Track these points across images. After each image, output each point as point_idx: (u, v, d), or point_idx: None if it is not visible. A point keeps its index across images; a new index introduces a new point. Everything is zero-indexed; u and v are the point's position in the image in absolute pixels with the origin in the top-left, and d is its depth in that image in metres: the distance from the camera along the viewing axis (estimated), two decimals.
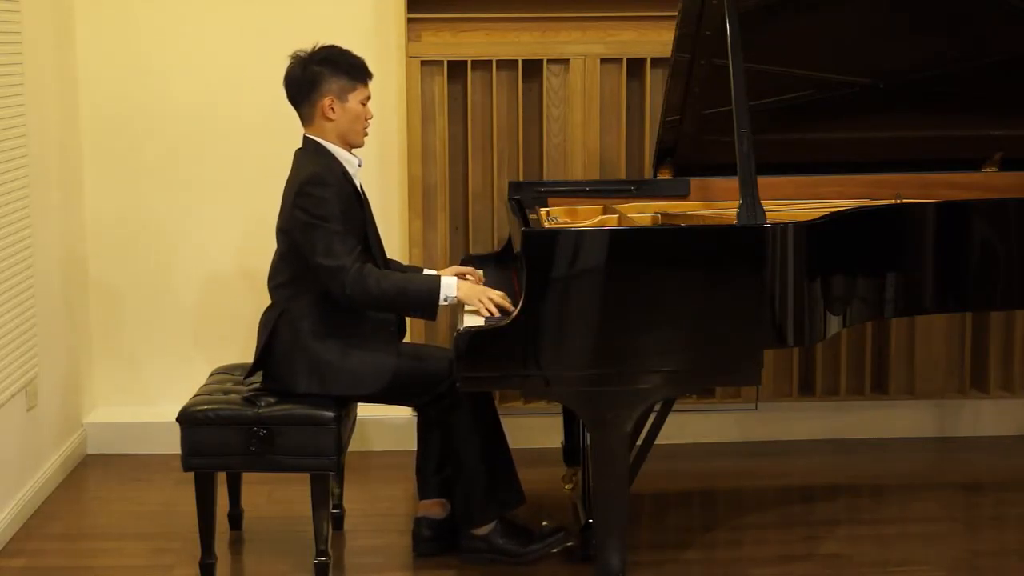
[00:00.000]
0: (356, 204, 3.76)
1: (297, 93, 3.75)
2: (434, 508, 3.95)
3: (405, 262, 4.58)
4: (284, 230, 3.74)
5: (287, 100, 3.78)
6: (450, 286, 3.66)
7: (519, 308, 3.40)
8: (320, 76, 3.70)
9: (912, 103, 4.19)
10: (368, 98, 3.77)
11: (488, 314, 3.60)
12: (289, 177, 3.75)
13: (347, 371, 3.69)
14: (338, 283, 3.60)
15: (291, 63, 3.75)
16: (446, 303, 3.67)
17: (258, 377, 3.81)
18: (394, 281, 3.67)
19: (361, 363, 3.70)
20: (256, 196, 4.63)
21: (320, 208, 3.62)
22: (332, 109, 3.71)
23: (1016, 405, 5.00)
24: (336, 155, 3.74)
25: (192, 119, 4.76)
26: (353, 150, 3.79)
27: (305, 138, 3.78)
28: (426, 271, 3.98)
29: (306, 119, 3.77)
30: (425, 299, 3.66)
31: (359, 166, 3.79)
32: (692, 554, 3.97)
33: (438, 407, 3.76)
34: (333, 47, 3.76)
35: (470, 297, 3.65)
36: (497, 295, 3.66)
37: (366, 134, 3.80)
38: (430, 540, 3.92)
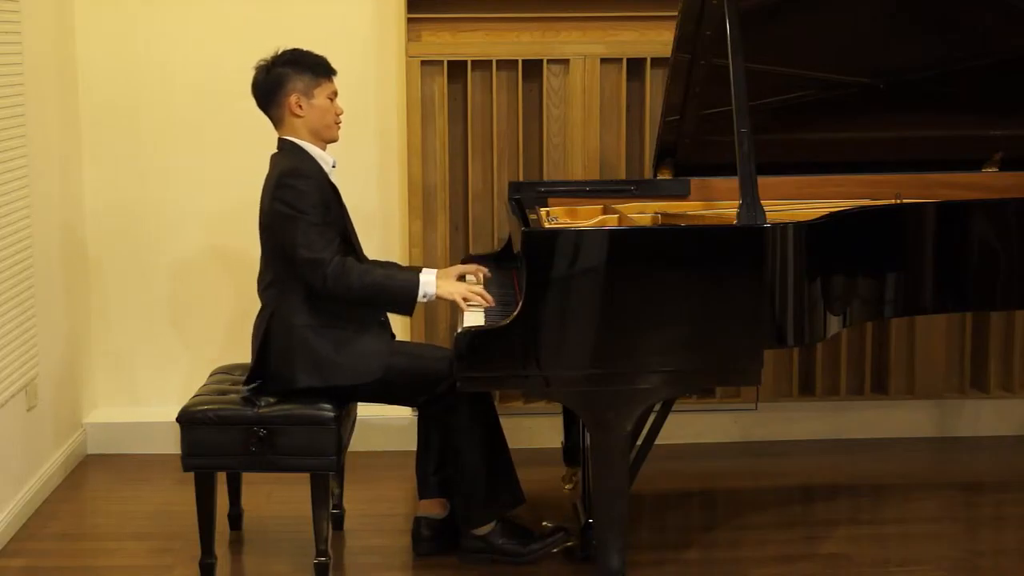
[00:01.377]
0: (335, 201, 3.78)
1: (264, 97, 3.79)
2: (434, 508, 3.95)
3: (405, 262, 4.58)
4: (265, 227, 3.75)
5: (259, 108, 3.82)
6: (429, 283, 3.70)
7: (519, 308, 3.40)
8: (284, 76, 3.75)
9: (912, 103, 4.19)
10: (335, 93, 3.81)
11: (472, 306, 3.66)
12: (267, 177, 3.77)
13: (345, 361, 3.70)
14: (319, 275, 3.62)
15: (255, 71, 3.80)
16: (425, 300, 3.71)
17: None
18: (375, 277, 3.70)
19: (356, 353, 3.71)
20: (257, 195, 4.61)
21: (299, 200, 3.65)
22: (299, 106, 3.75)
23: (1016, 405, 5.00)
24: (311, 153, 3.77)
25: (192, 119, 4.76)
26: (328, 149, 3.81)
27: (280, 140, 3.80)
28: (425, 269, 3.97)
29: (277, 121, 3.80)
30: (403, 296, 3.69)
31: (333, 166, 3.81)
32: (692, 554, 3.97)
33: (438, 407, 3.76)
34: (295, 49, 3.81)
35: (452, 294, 3.70)
36: (476, 288, 3.73)
37: (339, 127, 3.83)
38: (430, 540, 3.92)
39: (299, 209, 3.64)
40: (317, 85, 3.76)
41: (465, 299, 3.70)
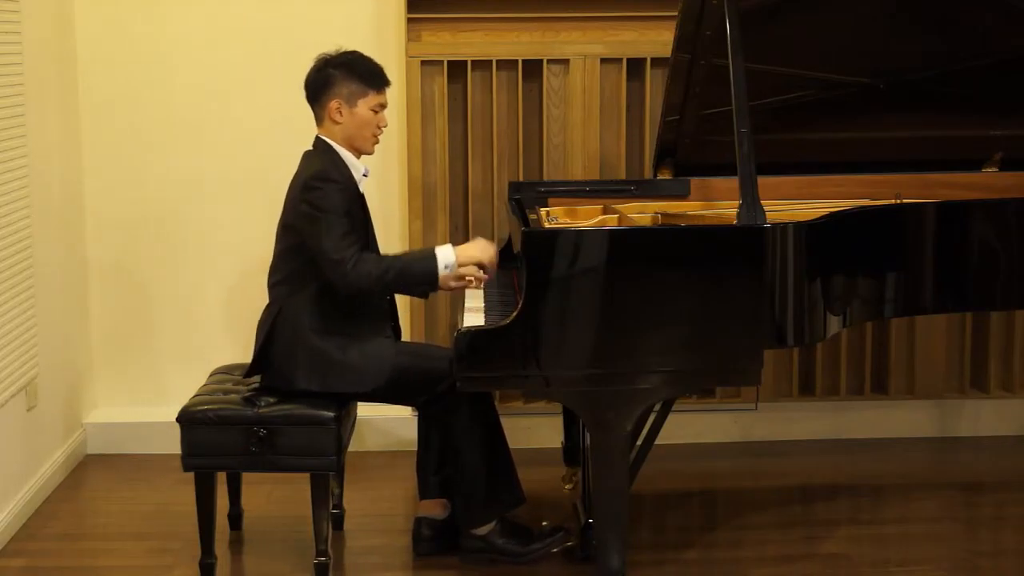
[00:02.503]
0: (358, 208, 3.77)
1: (311, 93, 3.79)
2: (434, 508, 3.95)
3: None
4: (287, 225, 3.76)
5: (303, 100, 3.81)
6: (447, 252, 3.67)
7: (519, 308, 3.40)
8: (332, 78, 3.74)
9: (912, 103, 4.19)
10: (382, 106, 3.77)
11: (478, 283, 3.68)
12: (295, 175, 3.77)
13: (348, 367, 3.70)
14: (340, 273, 3.61)
15: (313, 64, 3.78)
16: (447, 271, 3.66)
17: (258, 377, 3.82)
18: (392, 259, 3.70)
19: (361, 358, 3.70)
20: (257, 195, 4.63)
21: (325, 201, 3.64)
22: (339, 112, 3.74)
23: (1016, 405, 5.00)
24: (343, 158, 3.76)
25: (192, 119, 4.76)
26: (361, 158, 3.80)
27: (316, 138, 3.80)
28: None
29: (318, 120, 3.80)
30: (425, 270, 3.67)
31: (364, 175, 3.80)
32: (692, 554, 3.97)
33: (438, 407, 3.76)
34: (355, 52, 3.79)
35: (473, 257, 3.67)
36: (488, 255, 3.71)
37: (376, 142, 3.80)
38: (430, 540, 3.92)
39: (323, 210, 3.62)
40: (363, 95, 3.73)
41: (481, 266, 3.68)
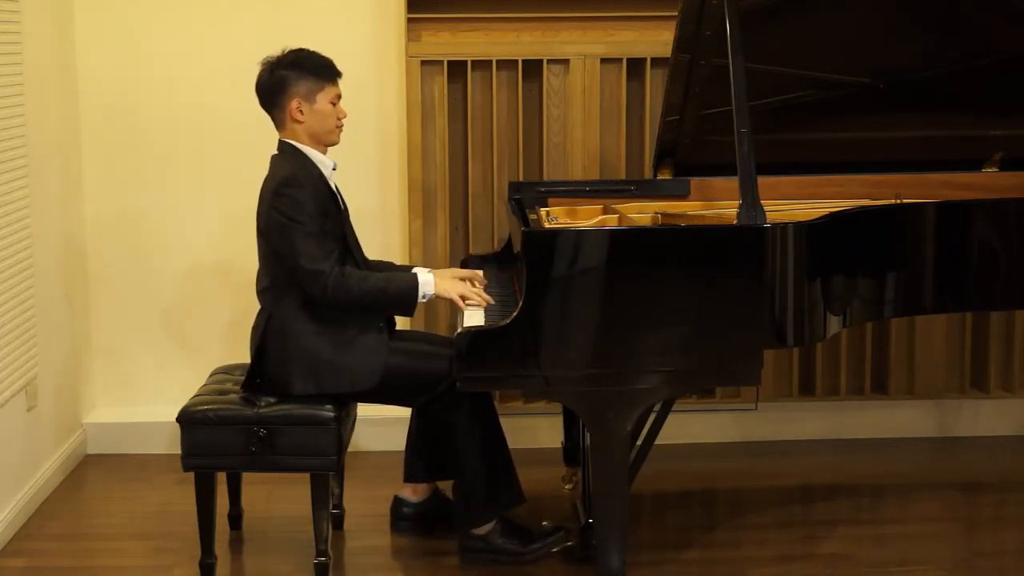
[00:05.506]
0: (333, 206, 3.77)
1: (266, 99, 3.77)
2: (411, 491, 4.08)
3: (405, 262, 4.58)
4: (262, 232, 3.75)
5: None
6: (428, 283, 3.71)
7: (519, 308, 3.40)
8: (286, 79, 3.72)
9: (912, 103, 4.20)
10: (338, 97, 3.78)
11: (470, 304, 3.68)
12: (265, 180, 3.76)
13: (342, 368, 3.70)
14: (319, 287, 3.62)
15: (261, 69, 3.77)
16: (424, 300, 3.72)
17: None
18: (374, 282, 3.69)
19: (354, 359, 3.70)
20: (257, 195, 4.62)
21: (296, 210, 3.63)
22: (300, 111, 3.73)
23: (1016, 405, 5.00)
24: (311, 157, 3.75)
25: (191, 120, 4.76)
26: (328, 153, 3.80)
27: (280, 142, 3.79)
28: (415, 269, 3.99)
29: (278, 123, 3.78)
30: (404, 298, 3.70)
31: (333, 169, 3.80)
32: (692, 554, 3.97)
33: (438, 406, 3.76)
34: (301, 50, 3.78)
35: (449, 292, 3.71)
36: (475, 289, 3.75)
37: (340, 130, 3.80)
38: (409, 519, 4.05)
39: (295, 219, 3.62)
40: (320, 90, 3.73)
41: (463, 298, 3.71)
